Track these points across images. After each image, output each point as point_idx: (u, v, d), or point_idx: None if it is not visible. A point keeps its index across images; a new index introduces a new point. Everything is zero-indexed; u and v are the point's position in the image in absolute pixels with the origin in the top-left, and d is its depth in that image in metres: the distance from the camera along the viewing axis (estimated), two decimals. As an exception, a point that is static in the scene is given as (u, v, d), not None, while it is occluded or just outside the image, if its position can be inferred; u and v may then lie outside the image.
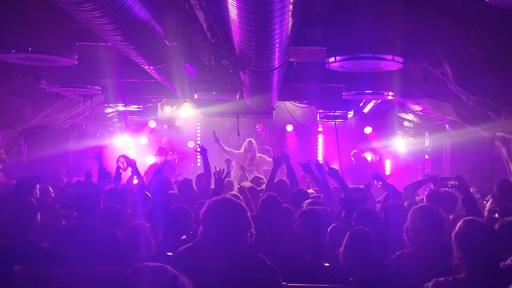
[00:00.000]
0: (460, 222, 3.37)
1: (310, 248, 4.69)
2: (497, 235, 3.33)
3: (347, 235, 4.21)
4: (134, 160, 7.31)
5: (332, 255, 4.38)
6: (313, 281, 4.14)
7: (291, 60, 7.43)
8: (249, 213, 3.36)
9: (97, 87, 8.26)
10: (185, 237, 5.18)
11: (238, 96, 8.08)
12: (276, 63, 6.17)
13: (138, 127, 13.86)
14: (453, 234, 3.33)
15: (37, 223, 4.65)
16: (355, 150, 13.01)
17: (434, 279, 3.22)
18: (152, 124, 13.58)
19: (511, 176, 9.24)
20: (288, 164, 7.50)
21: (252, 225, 3.33)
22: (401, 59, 5.80)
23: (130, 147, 13.86)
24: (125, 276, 2.65)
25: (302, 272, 4.30)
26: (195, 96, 7.98)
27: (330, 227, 4.91)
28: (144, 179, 11.26)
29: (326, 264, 4.52)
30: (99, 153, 7.49)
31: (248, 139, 12.64)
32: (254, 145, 12.34)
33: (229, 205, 3.30)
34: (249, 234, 3.29)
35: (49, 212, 5.70)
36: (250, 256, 3.27)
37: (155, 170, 8.48)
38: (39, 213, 4.70)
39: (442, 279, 3.20)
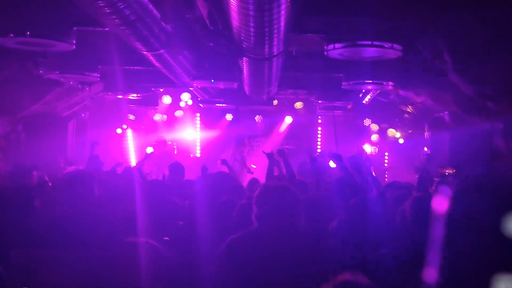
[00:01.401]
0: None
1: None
2: None
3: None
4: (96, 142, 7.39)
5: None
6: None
7: (290, 49, 7.41)
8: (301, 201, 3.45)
9: (95, 74, 8.24)
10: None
11: (237, 84, 8.06)
12: (275, 51, 6.15)
13: (137, 117, 13.83)
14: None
15: (33, 208, 4.66)
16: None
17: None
18: (151, 113, 13.56)
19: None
20: (285, 159, 7.44)
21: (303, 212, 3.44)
22: (400, 47, 5.79)
23: (130, 137, 13.84)
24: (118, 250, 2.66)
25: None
26: (194, 84, 7.96)
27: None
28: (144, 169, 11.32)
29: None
30: (96, 141, 7.50)
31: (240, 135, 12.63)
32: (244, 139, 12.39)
33: (285, 191, 3.40)
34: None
35: (45, 197, 5.70)
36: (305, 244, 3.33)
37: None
38: (35, 198, 4.71)
39: None
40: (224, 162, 7.61)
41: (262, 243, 3.22)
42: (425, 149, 12.93)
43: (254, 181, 7.29)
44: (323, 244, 4.55)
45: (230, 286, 3.21)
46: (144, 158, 8.09)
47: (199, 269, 4.28)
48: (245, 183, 7.52)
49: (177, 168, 7.29)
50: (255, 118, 14.67)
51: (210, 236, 4.33)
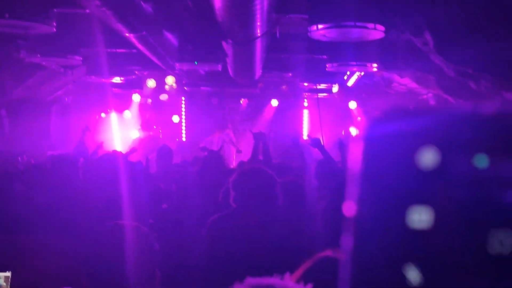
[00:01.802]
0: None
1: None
2: None
3: None
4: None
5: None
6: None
7: (274, 31, 7.38)
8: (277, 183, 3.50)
9: (78, 57, 8.15)
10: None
11: (221, 67, 8.03)
12: (259, 32, 6.12)
13: (122, 101, 13.74)
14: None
15: (18, 193, 4.64)
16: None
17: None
18: (136, 97, 13.47)
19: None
20: (264, 142, 7.43)
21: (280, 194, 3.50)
22: (383, 28, 5.79)
23: (114, 121, 13.76)
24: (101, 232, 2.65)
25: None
26: (177, 66, 7.92)
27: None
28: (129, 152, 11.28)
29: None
30: (87, 127, 7.44)
31: (221, 118, 12.59)
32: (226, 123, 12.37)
33: (263, 174, 3.45)
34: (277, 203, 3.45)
35: (29, 182, 5.68)
36: (283, 223, 3.39)
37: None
38: (19, 183, 4.69)
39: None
40: (203, 149, 7.54)
41: (241, 223, 3.27)
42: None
43: (242, 163, 7.29)
44: (304, 225, 4.61)
45: (213, 266, 3.24)
46: (131, 151, 8.01)
47: (184, 250, 4.31)
48: (234, 164, 7.52)
49: (165, 152, 7.25)
50: (240, 101, 14.65)
51: (196, 218, 4.35)
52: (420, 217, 0.58)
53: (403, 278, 0.58)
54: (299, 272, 2.19)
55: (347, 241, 0.62)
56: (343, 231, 0.63)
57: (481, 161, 0.57)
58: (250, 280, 1.23)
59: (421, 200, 0.58)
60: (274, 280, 1.23)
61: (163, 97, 13.87)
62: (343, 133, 12.76)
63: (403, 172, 0.59)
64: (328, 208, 4.29)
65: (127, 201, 4.49)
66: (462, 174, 0.57)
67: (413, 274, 0.58)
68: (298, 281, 1.38)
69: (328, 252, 2.28)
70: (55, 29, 6.19)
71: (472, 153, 0.56)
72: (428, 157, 0.58)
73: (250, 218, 3.29)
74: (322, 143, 6.79)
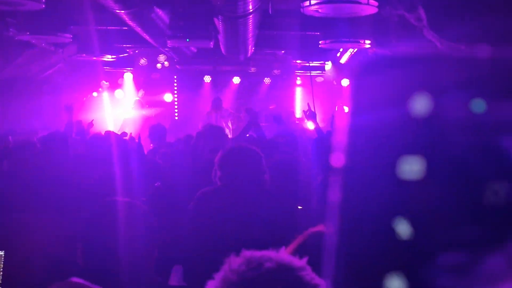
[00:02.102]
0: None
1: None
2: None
3: None
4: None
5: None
6: None
7: (266, 7, 7.31)
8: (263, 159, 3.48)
9: (68, 35, 8.05)
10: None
11: (212, 43, 7.96)
12: (251, 7, 6.06)
13: (113, 80, 13.63)
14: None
15: (7, 173, 4.62)
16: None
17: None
18: (127, 76, 13.37)
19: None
20: (255, 121, 7.37)
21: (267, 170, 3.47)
22: (376, 3, 5.74)
23: (106, 100, 13.68)
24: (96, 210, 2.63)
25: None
26: (169, 43, 7.84)
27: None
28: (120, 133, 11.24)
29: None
30: (70, 105, 7.39)
31: (215, 97, 12.40)
32: (221, 102, 12.20)
33: (247, 151, 3.44)
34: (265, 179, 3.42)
35: (20, 161, 5.64)
36: (270, 199, 3.37)
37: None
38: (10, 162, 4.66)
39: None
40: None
41: (229, 198, 3.26)
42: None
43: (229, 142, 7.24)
44: (296, 201, 4.61)
45: (202, 241, 3.23)
46: (122, 134, 7.94)
47: (176, 228, 4.30)
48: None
49: (158, 130, 7.23)
50: (233, 80, 14.57)
51: (188, 195, 4.32)
52: (411, 167, 0.56)
53: (392, 232, 0.56)
54: (291, 247, 2.18)
55: (335, 194, 0.60)
56: (331, 185, 0.61)
57: (478, 105, 0.54)
58: (246, 253, 1.22)
59: (412, 150, 0.56)
60: (270, 253, 1.22)
61: (155, 76, 13.76)
62: (336, 109, 12.75)
63: (393, 120, 0.56)
64: (323, 184, 4.30)
65: (120, 179, 4.47)
66: (457, 120, 0.55)
67: (403, 228, 0.56)
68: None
69: (320, 227, 2.27)
70: (44, 6, 6.09)
71: (468, 97, 0.54)
72: (420, 104, 0.55)
73: (238, 193, 3.27)
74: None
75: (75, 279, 1.28)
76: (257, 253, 1.21)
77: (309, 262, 1.75)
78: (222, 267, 1.20)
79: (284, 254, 1.23)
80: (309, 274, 1.21)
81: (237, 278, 1.16)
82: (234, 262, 1.19)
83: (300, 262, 1.23)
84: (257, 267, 1.17)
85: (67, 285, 1.23)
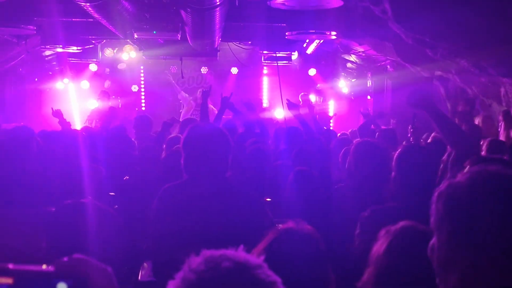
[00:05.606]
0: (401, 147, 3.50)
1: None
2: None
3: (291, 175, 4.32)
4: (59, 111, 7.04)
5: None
6: None
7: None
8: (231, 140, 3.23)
9: (31, 27, 7.89)
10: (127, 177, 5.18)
11: (179, 36, 7.93)
12: (218, 0, 6.06)
13: (79, 71, 13.43)
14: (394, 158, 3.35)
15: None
16: (303, 93, 13.16)
17: (370, 208, 3.29)
18: (93, 67, 13.19)
19: (449, 114, 9.56)
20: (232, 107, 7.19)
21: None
22: (342, -4, 5.81)
23: (71, 91, 13.48)
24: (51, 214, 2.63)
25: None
26: (135, 36, 7.78)
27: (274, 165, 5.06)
28: (88, 124, 11.12)
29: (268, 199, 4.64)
30: (58, 111, 7.12)
31: (200, 90, 12.43)
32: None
33: (212, 132, 3.20)
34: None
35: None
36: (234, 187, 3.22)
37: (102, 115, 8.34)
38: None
39: (378, 207, 3.27)
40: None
41: (193, 193, 3.08)
42: (368, 97, 13.20)
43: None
44: (264, 194, 4.65)
45: (165, 238, 3.11)
46: (91, 114, 7.83)
47: (142, 223, 4.25)
48: None
49: (144, 121, 7.23)
50: (201, 69, 14.52)
51: (156, 188, 4.25)
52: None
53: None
54: (261, 246, 2.19)
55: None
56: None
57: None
58: (205, 253, 1.25)
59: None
60: (229, 252, 1.25)
61: (122, 66, 13.63)
62: (300, 98, 12.87)
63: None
64: (296, 177, 4.34)
65: (87, 175, 4.44)
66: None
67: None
68: (259, 255, 1.40)
69: (290, 224, 2.28)
70: (6, -2, 5.98)
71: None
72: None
73: (201, 188, 3.09)
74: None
75: (78, 255, 1.31)
76: (216, 253, 1.24)
77: (279, 260, 1.79)
78: (182, 266, 1.24)
79: (241, 253, 1.26)
80: (264, 272, 1.23)
81: (195, 278, 1.19)
82: (194, 262, 1.22)
83: (256, 260, 1.25)
84: (214, 267, 1.20)
85: (72, 260, 1.26)
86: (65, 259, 1.26)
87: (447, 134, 3.45)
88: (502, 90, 8.29)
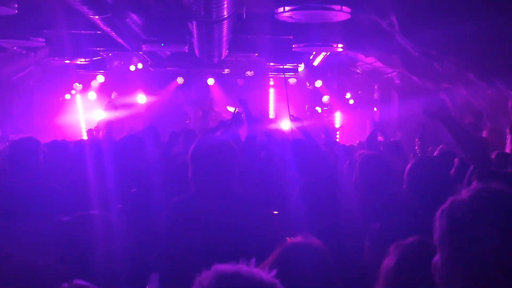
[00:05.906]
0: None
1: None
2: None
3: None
4: None
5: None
6: None
7: (240, 11, 7.35)
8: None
9: (40, 39, 7.96)
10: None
11: (187, 48, 7.97)
12: (225, 13, 6.09)
13: (86, 82, 13.51)
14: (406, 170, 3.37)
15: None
16: (308, 105, 13.23)
17: (381, 220, 3.25)
18: (100, 78, 13.26)
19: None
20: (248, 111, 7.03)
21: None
22: (349, 9, 5.83)
23: (79, 102, 13.56)
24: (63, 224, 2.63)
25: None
26: (144, 48, 7.83)
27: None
28: (94, 134, 11.16)
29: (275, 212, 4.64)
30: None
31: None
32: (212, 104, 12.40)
33: (220, 145, 3.18)
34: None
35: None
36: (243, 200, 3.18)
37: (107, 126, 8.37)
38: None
39: (389, 219, 3.21)
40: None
41: (202, 206, 3.05)
42: (375, 109, 13.20)
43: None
44: (274, 207, 4.63)
45: (176, 253, 3.08)
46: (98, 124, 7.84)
47: (151, 236, 4.23)
48: None
49: (153, 131, 7.24)
50: (207, 81, 14.56)
51: (164, 200, 4.23)
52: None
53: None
54: (269, 259, 2.20)
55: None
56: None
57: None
58: (217, 268, 1.23)
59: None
60: (240, 267, 1.23)
61: (114, 95, 13.64)
62: (306, 108, 12.91)
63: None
64: (303, 190, 4.33)
65: (94, 188, 4.45)
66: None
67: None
68: (269, 269, 1.39)
69: (299, 238, 2.29)
70: (16, 11, 6.03)
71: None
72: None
73: (210, 202, 3.05)
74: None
75: (80, 281, 1.30)
76: (229, 269, 1.22)
77: (288, 275, 1.79)
78: (194, 281, 1.22)
79: (255, 270, 1.24)
80: None
81: None
82: (205, 279, 1.20)
83: (270, 279, 1.23)
84: (227, 286, 1.18)
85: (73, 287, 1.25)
86: (65, 285, 1.25)
87: (464, 145, 3.43)
88: (510, 103, 8.27)
